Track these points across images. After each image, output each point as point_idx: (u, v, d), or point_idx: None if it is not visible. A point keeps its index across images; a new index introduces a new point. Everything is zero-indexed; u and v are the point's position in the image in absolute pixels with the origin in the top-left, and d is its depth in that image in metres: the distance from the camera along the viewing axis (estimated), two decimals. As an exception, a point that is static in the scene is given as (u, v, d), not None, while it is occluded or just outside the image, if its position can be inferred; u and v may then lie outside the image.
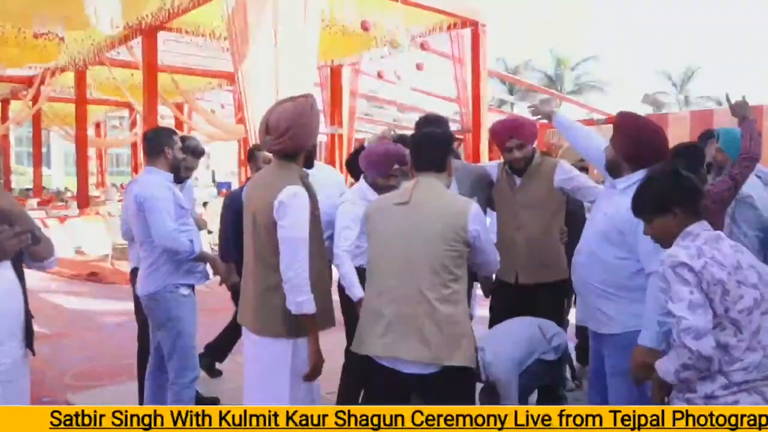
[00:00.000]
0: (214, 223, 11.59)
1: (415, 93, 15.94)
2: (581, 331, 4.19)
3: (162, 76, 10.62)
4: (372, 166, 3.08)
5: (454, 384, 2.22)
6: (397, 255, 2.27)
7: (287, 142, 2.34)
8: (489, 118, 10.16)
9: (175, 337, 3.09)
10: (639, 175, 2.45)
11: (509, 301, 3.29)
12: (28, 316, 2.17)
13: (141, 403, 3.40)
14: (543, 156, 3.34)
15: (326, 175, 3.61)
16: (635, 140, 2.51)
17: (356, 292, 2.86)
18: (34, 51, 10.34)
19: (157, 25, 9.26)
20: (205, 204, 14.32)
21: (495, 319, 3.30)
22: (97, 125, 21.69)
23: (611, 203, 2.53)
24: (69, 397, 4.04)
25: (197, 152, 3.74)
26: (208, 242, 9.06)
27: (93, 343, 5.42)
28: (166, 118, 15.22)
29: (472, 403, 2.35)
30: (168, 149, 3.23)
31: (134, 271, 3.47)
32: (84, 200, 13.53)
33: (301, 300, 2.26)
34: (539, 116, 3.08)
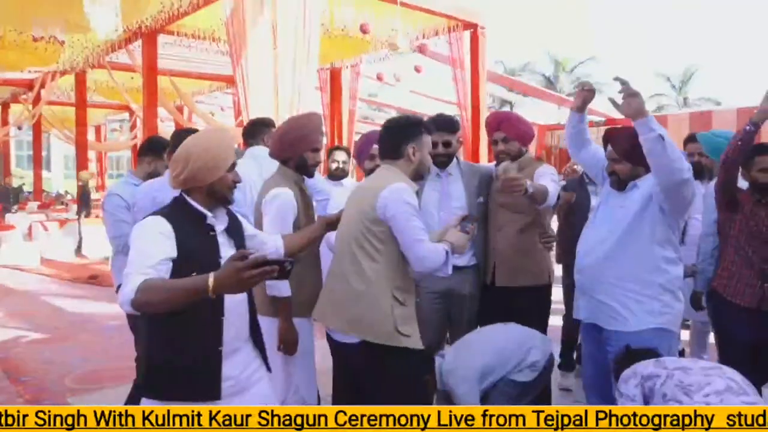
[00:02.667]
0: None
1: (414, 95, 15.99)
2: (568, 334, 4.19)
3: (161, 79, 10.64)
4: (357, 153, 3.42)
5: (377, 360, 2.31)
6: (340, 233, 2.49)
7: None
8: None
9: None
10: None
11: (490, 303, 3.19)
12: (255, 326, 2.13)
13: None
14: (534, 160, 3.27)
15: None
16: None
17: None
18: (35, 54, 10.37)
19: (157, 28, 9.28)
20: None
21: (481, 321, 3.20)
22: (97, 128, 21.73)
23: (626, 198, 2.62)
24: (69, 399, 4.04)
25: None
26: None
27: (94, 345, 5.42)
28: (165, 120, 15.23)
29: (403, 386, 2.31)
30: None
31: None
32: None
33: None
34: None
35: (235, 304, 1.98)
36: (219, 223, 2.02)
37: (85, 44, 10.23)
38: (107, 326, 5.99)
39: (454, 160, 3.26)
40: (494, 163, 3.38)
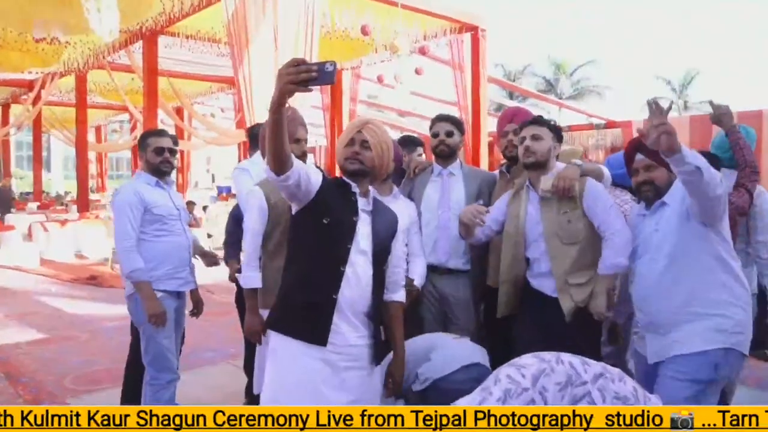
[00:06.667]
0: (215, 225, 11.51)
1: (414, 97, 15.98)
2: None
3: (161, 81, 10.64)
4: None
5: None
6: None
7: None
8: (489, 123, 10.19)
9: (148, 338, 3.11)
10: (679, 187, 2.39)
11: (494, 306, 3.05)
12: (376, 312, 2.17)
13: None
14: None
15: None
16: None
17: None
18: (35, 55, 10.38)
19: (157, 29, 9.29)
20: (205, 208, 14.36)
21: (487, 324, 3.18)
22: (97, 129, 21.76)
23: (657, 219, 2.45)
24: (69, 400, 4.03)
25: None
26: (209, 246, 9.05)
27: (93, 346, 5.41)
28: (166, 122, 15.24)
29: None
30: (142, 153, 3.25)
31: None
32: (84, 204, 13.55)
33: None
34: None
35: (361, 270, 2.09)
36: (364, 203, 2.18)
37: (86, 44, 10.24)
38: (107, 327, 5.99)
39: (458, 161, 3.30)
40: (500, 165, 3.38)
